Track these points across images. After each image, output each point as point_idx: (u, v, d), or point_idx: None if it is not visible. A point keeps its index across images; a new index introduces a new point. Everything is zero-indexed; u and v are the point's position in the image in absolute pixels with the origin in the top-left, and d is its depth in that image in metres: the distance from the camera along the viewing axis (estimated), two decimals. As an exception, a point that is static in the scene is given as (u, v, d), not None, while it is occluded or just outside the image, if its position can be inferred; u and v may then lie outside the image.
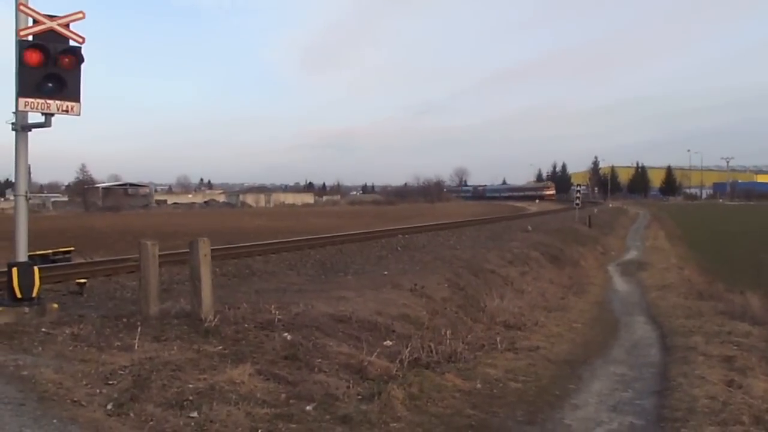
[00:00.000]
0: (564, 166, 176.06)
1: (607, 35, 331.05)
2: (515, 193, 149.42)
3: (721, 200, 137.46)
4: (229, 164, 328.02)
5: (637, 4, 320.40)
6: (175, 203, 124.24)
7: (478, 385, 7.61)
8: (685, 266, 30.62)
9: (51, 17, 8.42)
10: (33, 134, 8.91)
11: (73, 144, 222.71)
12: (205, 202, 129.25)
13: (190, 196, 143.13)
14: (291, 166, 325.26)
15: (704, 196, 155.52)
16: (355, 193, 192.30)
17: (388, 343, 9.00)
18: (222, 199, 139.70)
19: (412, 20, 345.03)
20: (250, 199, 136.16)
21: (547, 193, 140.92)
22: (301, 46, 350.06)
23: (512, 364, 8.99)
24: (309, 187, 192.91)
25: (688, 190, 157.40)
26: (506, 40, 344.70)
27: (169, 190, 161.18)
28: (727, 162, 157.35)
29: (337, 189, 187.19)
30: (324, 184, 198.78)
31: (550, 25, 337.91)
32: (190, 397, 5.76)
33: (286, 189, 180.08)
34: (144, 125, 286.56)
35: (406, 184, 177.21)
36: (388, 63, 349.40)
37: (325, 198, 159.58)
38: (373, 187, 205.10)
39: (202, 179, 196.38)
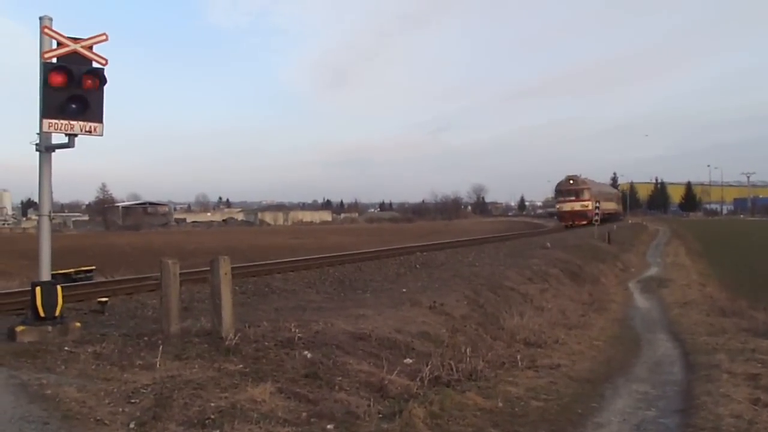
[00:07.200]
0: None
1: (625, 50, 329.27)
2: None
3: (742, 216, 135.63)
4: (247, 182, 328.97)
5: (655, 19, 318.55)
6: (194, 222, 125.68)
7: (500, 404, 7.55)
8: (706, 283, 30.27)
9: (75, 40, 8.57)
10: (54, 154, 9.03)
11: (93, 163, 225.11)
12: (224, 220, 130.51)
13: (208, 214, 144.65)
14: (309, 183, 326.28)
15: (725, 212, 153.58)
16: (372, 210, 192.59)
17: (408, 361, 8.97)
18: (240, 217, 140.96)
19: (428, 38, 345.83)
20: (268, 217, 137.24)
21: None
22: (318, 64, 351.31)
23: (533, 382, 8.91)
24: (327, 205, 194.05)
25: (708, 206, 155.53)
26: (523, 57, 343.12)
27: (188, 209, 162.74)
28: (748, 177, 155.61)
29: (355, 206, 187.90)
30: (341, 201, 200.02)
31: (567, 41, 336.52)
32: (212, 416, 5.77)
33: (303, 207, 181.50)
34: (163, 143, 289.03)
35: (423, 201, 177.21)
36: (404, 80, 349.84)
37: (342, 215, 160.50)
38: (390, 204, 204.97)
39: (220, 198, 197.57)
